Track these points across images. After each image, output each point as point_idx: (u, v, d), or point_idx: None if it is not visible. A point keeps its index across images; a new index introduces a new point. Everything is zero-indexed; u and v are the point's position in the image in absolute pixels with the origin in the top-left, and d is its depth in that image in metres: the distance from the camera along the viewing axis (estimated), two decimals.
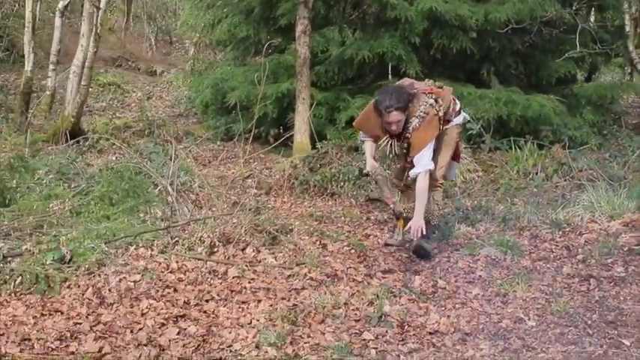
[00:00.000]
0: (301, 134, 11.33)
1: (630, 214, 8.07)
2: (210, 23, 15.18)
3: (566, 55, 13.09)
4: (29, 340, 5.09)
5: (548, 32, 13.07)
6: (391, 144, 7.00)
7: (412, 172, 6.89)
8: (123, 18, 24.92)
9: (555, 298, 6.12)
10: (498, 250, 7.20)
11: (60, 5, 15.29)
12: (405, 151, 7.03)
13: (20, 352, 4.91)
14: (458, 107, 7.25)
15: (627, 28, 15.13)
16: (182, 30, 26.09)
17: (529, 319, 5.72)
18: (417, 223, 6.66)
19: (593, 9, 15.19)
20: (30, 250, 6.30)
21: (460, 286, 6.45)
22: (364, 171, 7.32)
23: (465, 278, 6.64)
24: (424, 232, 6.68)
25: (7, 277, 5.95)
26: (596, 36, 13.50)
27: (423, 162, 6.80)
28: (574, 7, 13.00)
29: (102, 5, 12.98)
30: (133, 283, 6.03)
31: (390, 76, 12.13)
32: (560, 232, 7.88)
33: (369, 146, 7.29)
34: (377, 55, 12.34)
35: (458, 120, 7.27)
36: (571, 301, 6.08)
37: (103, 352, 4.99)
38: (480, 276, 6.66)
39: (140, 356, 4.93)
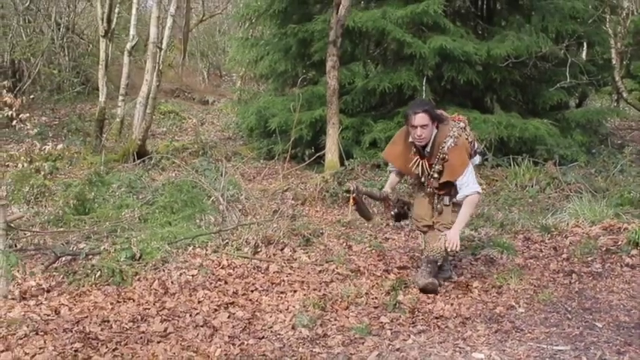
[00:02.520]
0: (332, 154, 11.50)
1: (609, 219, 8.20)
2: (254, 59, 15.36)
3: (559, 85, 13.27)
4: (108, 321, 5.36)
5: (543, 65, 13.20)
6: (422, 165, 5.97)
7: (460, 195, 5.86)
8: (180, 55, 25.23)
9: (542, 289, 6.27)
10: (496, 250, 7.34)
11: (128, 46, 15.66)
12: (437, 175, 5.94)
13: (101, 331, 5.19)
14: (477, 146, 6.31)
15: (614, 62, 15.24)
16: (230, 65, 26.29)
17: (519, 307, 5.88)
18: (454, 236, 5.82)
19: (583, 45, 15.30)
20: (107, 250, 6.62)
21: (463, 279, 6.62)
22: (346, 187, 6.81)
23: (467, 273, 6.82)
24: (457, 247, 5.86)
25: (89, 271, 6.25)
26: (584, 68, 13.62)
27: (470, 186, 5.82)
28: (565, 44, 13.13)
29: (164, 46, 13.31)
30: (191, 277, 6.30)
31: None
32: (549, 235, 8.01)
33: (392, 176, 6.46)
34: (396, 86, 12.53)
35: (475, 160, 6.34)
36: (555, 292, 6.22)
37: (168, 331, 5.24)
38: (480, 271, 6.83)
39: (198, 335, 5.19)
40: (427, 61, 12.42)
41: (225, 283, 6.26)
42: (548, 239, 7.94)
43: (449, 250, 5.91)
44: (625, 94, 15.77)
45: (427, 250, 6.20)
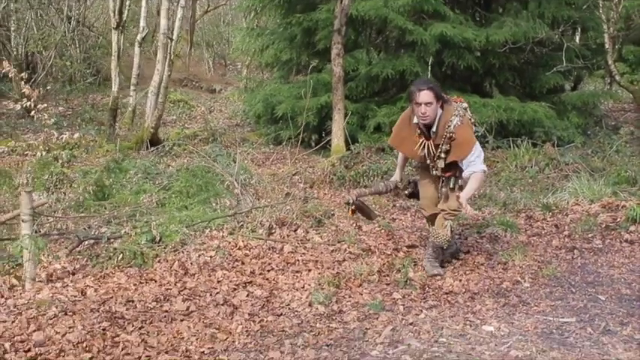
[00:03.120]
0: (338, 138, 11.54)
1: (607, 198, 8.26)
2: (260, 48, 15.34)
3: (555, 69, 13.28)
4: (132, 301, 5.42)
5: (540, 50, 13.20)
6: (428, 146, 5.78)
7: (466, 173, 5.73)
8: (187, 46, 25.21)
9: (546, 265, 6.36)
10: (500, 229, 7.41)
11: (138, 37, 15.65)
12: (444, 155, 5.76)
13: (126, 310, 5.25)
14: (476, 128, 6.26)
15: (607, 46, 15.21)
16: (235, 54, 26.34)
17: (524, 282, 5.97)
18: (466, 203, 5.66)
19: (577, 30, 15.30)
20: (128, 233, 6.66)
21: (470, 256, 6.69)
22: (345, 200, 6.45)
23: (474, 250, 6.88)
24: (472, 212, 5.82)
25: (112, 254, 6.31)
26: (579, 53, 13.61)
27: (477, 164, 5.70)
28: (561, 29, 13.11)
29: (174, 37, 13.32)
30: (209, 258, 6.35)
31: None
32: (550, 214, 8.09)
33: (401, 157, 6.34)
34: (398, 72, 12.54)
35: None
36: (558, 267, 6.31)
37: (190, 310, 5.31)
38: (486, 248, 6.90)
39: (219, 313, 5.26)
40: (428, 48, 12.43)
41: (243, 263, 6.32)
42: (550, 217, 8.01)
43: (465, 213, 5.87)
44: (617, 77, 15.72)
45: (433, 235, 6.12)
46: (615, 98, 16.65)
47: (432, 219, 6.23)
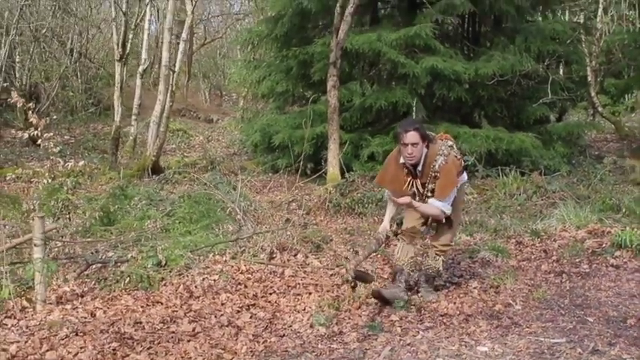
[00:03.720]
0: (333, 167, 11.62)
1: (593, 224, 8.36)
2: (257, 80, 15.49)
3: (541, 100, 13.47)
4: (140, 323, 5.47)
5: (526, 83, 13.38)
6: (415, 184, 5.77)
7: (430, 201, 5.72)
8: (184, 77, 25.41)
9: (536, 288, 6.39)
10: (491, 253, 7.46)
11: (140, 69, 15.83)
12: (430, 194, 5.75)
13: (135, 331, 5.31)
14: (464, 163, 6.15)
15: (589, 79, 15.45)
16: (231, 86, 26.54)
17: (516, 304, 6.01)
18: (415, 203, 5.68)
19: (561, 63, 15.51)
20: (134, 257, 6.69)
21: (463, 280, 6.75)
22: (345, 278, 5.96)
23: (466, 274, 6.95)
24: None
25: (119, 277, 6.36)
26: (564, 85, 13.83)
27: (444, 205, 5.71)
28: (546, 63, 13.31)
29: (176, 69, 13.47)
30: (213, 281, 6.41)
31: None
32: (539, 239, 8.15)
33: (390, 206, 6.17)
34: (391, 104, 12.69)
35: (464, 178, 6.12)
36: (548, 290, 6.35)
37: (196, 331, 5.35)
38: (478, 273, 6.96)
39: (224, 334, 5.30)
40: (419, 80, 12.58)
41: (245, 286, 6.37)
42: (539, 243, 8.08)
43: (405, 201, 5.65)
44: (600, 109, 16.00)
45: (425, 266, 6.13)
46: (598, 129, 16.87)
47: (408, 235, 6.06)
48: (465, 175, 6.11)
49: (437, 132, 12.04)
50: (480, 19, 14.64)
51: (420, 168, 5.69)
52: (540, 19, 15.48)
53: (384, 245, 6.50)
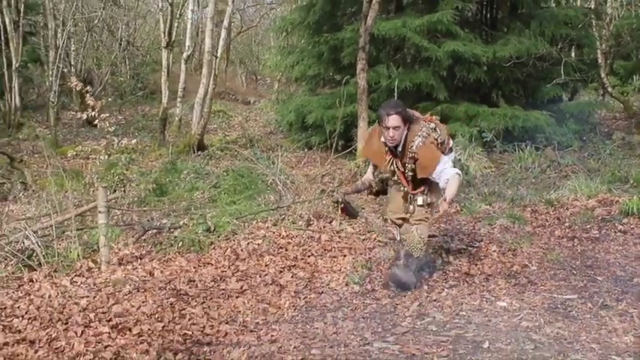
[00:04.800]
0: (362, 144, 11.70)
1: (602, 194, 8.43)
2: (291, 65, 15.54)
3: (554, 81, 13.39)
4: (193, 281, 5.69)
5: (541, 65, 13.28)
6: (395, 163, 5.43)
7: (442, 183, 5.20)
8: (224, 62, 25.56)
9: (550, 251, 6.50)
10: (509, 221, 7.56)
11: (184, 55, 16.00)
12: (411, 173, 5.39)
13: (189, 288, 5.51)
14: (451, 144, 5.65)
15: (600, 61, 15.32)
16: (265, 70, 26.65)
17: (532, 265, 6.13)
18: (446, 207, 5.14)
19: (574, 47, 15.42)
20: (186, 224, 6.91)
21: (483, 244, 6.86)
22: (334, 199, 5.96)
23: (486, 239, 7.06)
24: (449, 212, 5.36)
25: (172, 241, 6.61)
26: (576, 67, 13.73)
27: (448, 170, 5.21)
28: (559, 46, 13.25)
29: (218, 54, 13.62)
30: (257, 245, 6.61)
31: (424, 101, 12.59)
32: (553, 208, 8.23)
33: (371, 166, 5.87)
34: (415, 85, 12.71)
35: (450, 156, 5.56)
36: (561, 253, 6.46)
37: (243, 288, 5.55)
38: (497, 238, 7.05)
39: (268, 291, 5.49)
40: (441, 63, 12.59)
41: (286, 250, 6.56)
42: (552, 211, 8.15)
43: (441, 213, 5.26)
44: (610, 89, 15.82)
45: (407, 244, 5.62)
46: (608, 108, 16.75)
47: (400, 224, 5.76)
48: (451, 155, 5.58)
49: (457, 111, 12.29)
50: (498, 5, 14.59)
51: (400, 148, 5.34)
52: (554, 5, 15.40)
53: (366, 190, 5.99)
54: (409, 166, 5.33)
